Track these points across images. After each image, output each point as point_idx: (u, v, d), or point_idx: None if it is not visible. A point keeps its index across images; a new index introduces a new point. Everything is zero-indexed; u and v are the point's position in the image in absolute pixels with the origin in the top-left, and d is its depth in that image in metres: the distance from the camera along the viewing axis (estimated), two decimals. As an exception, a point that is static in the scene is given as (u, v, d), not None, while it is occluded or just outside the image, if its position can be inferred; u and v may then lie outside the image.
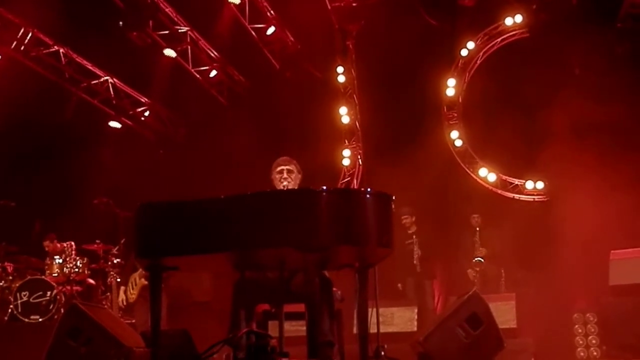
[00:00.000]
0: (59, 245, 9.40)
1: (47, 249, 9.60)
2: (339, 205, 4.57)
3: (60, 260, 9.19)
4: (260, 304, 5.38)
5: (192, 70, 11.93)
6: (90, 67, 11.59)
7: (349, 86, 12.37)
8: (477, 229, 10.19)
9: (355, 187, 11.81)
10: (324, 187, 4.60)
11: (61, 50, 11.07)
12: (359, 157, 12.29)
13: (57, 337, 5.63)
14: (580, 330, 8.90)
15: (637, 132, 9.63)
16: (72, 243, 9.32)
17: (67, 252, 9.23)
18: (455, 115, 11.85)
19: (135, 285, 8.89)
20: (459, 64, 11.90)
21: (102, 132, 12.24)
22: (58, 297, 8.68)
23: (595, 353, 8.72)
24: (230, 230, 4.63)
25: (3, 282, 8.93)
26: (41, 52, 10.91)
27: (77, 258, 9.25)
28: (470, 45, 11.80)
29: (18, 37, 10.56)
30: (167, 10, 10.95)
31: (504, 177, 11.42)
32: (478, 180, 11.48)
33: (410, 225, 10.20)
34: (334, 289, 5.34)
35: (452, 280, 10.25)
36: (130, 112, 12.50)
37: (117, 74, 11.87)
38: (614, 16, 9.94)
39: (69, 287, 9.02)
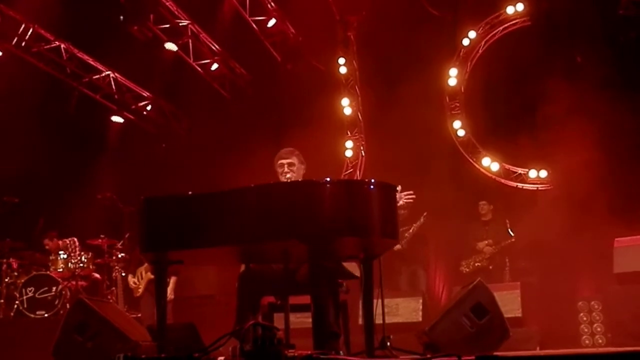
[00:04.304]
0: (60, 242, 9.33)
1: (47, 247, 9.58)
2: (342, 197, 4.58)
3: (65, 256, 9.19)
4: (266, 296, 5.39)
5: (194, 63, 11.92)
6: (92, 62, 11.57)
7: (351, 77, 12.35)
8: (490, 216, 10.16)
9: (359, 178, 11.79)
10: (327, 179, 4.61)
11: (62, 46, 11.06)
12: (362, 148, 12.28)
13: (64, 332, 5.66)
14: (585, 318, 8.90)
15: (641, 120, 9.60)
16: (75, 239, 9.28)
17: (70, 249, 9.17)
18: (458, 105, 11.81)
19: (141, 279, 8.91)
20: (461, 54, 11.86)
21: (104, 126, 12.26)
22: (63, 292, 8.72)
23: (600, 341, 8.72)
24: (234, 223, 4.64)
25: (8, 278, 8.94)
26: (42, 48, 10.89)
27: (82, 253, 9.26)
28: (472, 34, 11.75)
29: (19, 33, 10.54)
30: (167, 3, 10.92)
31: (507, 166, 11.38)
32: (481, 169, 11.45)
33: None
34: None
35: (456, 270, 10.22)
36: (133, 107, 12.49)
37: (118, 69, 11.84)
38: (616, 3, 9.88)
39: (74, 282, 9.04)
